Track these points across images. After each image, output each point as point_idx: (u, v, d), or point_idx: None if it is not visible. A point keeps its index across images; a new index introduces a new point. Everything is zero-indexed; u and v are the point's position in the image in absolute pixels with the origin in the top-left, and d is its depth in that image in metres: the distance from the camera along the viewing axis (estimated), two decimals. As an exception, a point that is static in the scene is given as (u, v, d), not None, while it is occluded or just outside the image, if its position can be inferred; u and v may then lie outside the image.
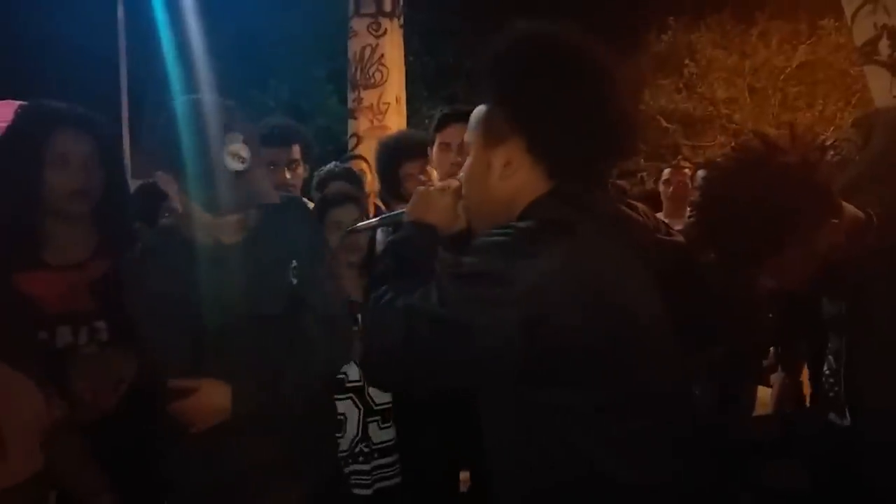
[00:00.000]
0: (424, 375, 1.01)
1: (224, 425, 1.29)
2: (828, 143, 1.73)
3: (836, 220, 1.34)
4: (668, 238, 1.22)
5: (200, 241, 1.35)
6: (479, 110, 1.10)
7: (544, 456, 0.99)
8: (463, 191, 1.15)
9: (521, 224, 0.99)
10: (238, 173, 1.25)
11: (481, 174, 1.08)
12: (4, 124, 1.57)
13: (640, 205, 1.19)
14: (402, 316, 0.97)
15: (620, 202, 1.12)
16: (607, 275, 0.97)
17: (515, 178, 1.04)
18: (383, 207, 3.18)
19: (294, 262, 1.40)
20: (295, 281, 1.40)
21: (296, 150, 2.36)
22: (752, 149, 1.35)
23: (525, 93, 1.01)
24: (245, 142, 1.27)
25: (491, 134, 1.06)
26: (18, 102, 1.66)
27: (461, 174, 1.16)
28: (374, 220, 1.43)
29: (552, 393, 0.96)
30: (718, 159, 1.61)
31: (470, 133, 1.12)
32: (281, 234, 1.40)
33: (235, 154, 1.24)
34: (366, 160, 3.28)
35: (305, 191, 2.62)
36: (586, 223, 0.98)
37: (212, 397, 1.27)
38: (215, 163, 1.23)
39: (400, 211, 1.28)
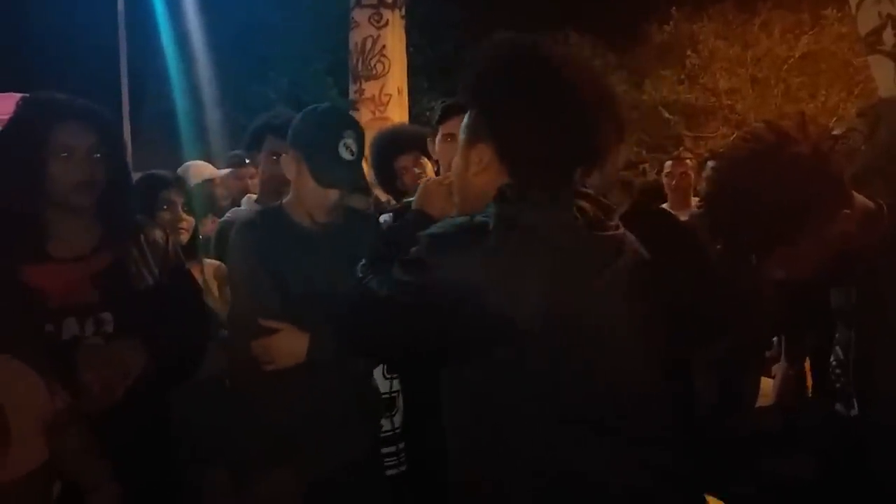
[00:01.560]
0: (374, 344, 1.22)
1: (295, 373, 1.54)
2: (833, 133, 1.73)
3: (848, 210, 1.33)
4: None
5: (297, 220, 1.68)
6: (468, 113, 1.23)
7: (470, 436, 1.13)
8: (453, 185, 1.29)
9: (458, 221, 1.13)
10: (348, 161, 1.61)
11: (462, 169, 1.21)
12: (6, 117, 1.56)
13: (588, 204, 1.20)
14: (364, 292, 1.19)
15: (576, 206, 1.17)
16: (517, 274, 1.05)
17: (486, 175, 1.16)
18: (382, 198, 3.18)
19: (363, 261, 1.65)
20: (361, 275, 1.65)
21: None
22: (763, 138, 1.33)
23: (494, 102, 1.15)
24: (355, 140, 1.63)
25: (470, 134, 1.20)
26: (20, 95, 1.65)
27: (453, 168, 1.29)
28: (393, 206, 1.58)
29: (471, 374, 1.10)
30: (727, 149, 1.59)
31: (460, 132, 1.25)
32: (357, 235, 1.68)
33: (348, 147, 1.61)
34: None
35: None
36: (518, 224, 1.08)
37: (291, 340, 1.52)
38: (333, 151, 1.60)
39: (410, 200, 1.48)
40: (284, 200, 1.76)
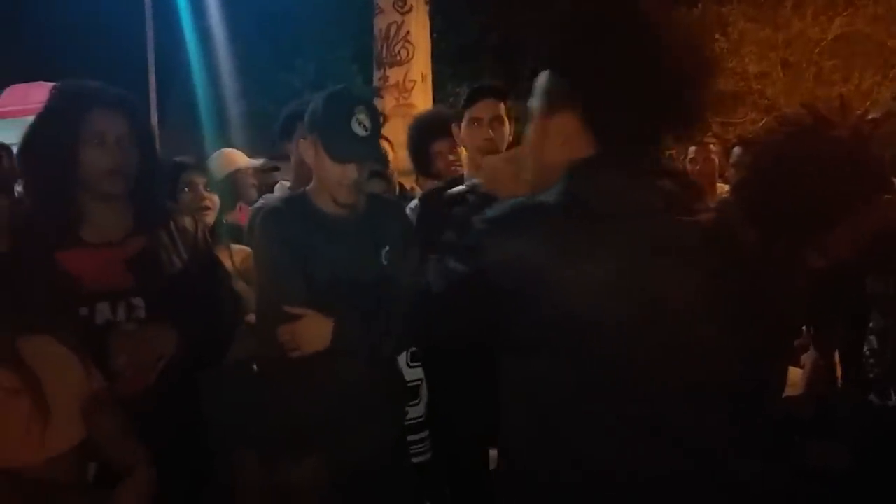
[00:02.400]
0: (431, 337, 1.19)
1: (320, 360, 1.55)
2: (870, 116, 1.68)
3: (888, 196, 1.30)
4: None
5: (320, 206, 1.72)
6: (541, 77, 1.11)
7: (524, 431, 1.06)
8: (527, 159, 1.18)
9: (517, 201, 1.05)
10: (362, 137, 1.63)
11: (539, 142, 1.11)
12: (40, 105, 1.58)
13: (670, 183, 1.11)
14: (420, 282, 1.11)
15: (665, 177, 1.06)
16: (583, 260, 0.98)
17: (567, 146, 1.06)
18: (407, 185, 3.18)
19: (387, 247, 1.73)
20: (386, 262, 1.73)
21: None
22: (801, 121, 1.30)
23: (581, 63, 1.02)
24: (368, 116, 1.64)
25: (549, 102, 1.08)
26: (51, 83, 1.67)
27: (525, 141, 1.18)
28: (463, 186, 1.55)
29: (526, 366, 1.04)
30: (762, 132, 1.56)
31: (532, 100, 1.13)
32: (380, 220, 1.75)
33: (361, 123, 1.62)
34: (388, 139, 3.29)
35: None
36: (588, 204, 0.99)
37: (316, 326, 1.51)
38: (346, 127, 1.62)
39: (477, 181, 1.41)
40: (308, 187, 1.78)
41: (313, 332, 1.55)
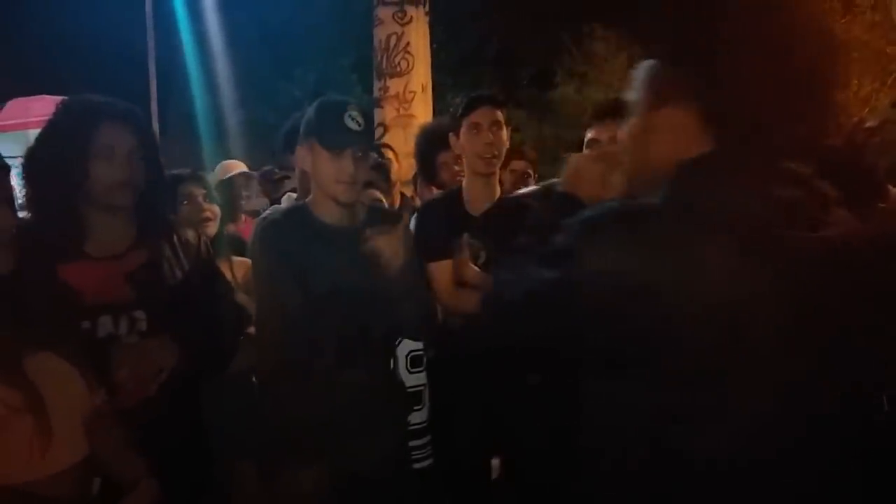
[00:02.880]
0: (515, 349, 1.07)
1: (319, 370, 1.59)
2: (867, 124, 1.69)
3: (882, 204, 1.31)
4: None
5: (319, 216, 1.75)
6: (646, 67, 1.00)
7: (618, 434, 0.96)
8: (624, 157, 1.07)
9: (617, 203, 0.97)
10: (356, 131, 1.69)
11: (643, 139, 1.00)
12: (41, 118, 1.60)
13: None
14: (500, 290, 1.01)
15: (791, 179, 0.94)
16: (687, 271, 0.87)
17: (679, 143, 0.94)
18: (408, 195, 3.19)
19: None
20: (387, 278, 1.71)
21: None
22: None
23: (698, 51, 0.91)
24: (360, 114, 1.72)
25: (656, 94, 0.97)
26: (55, 97, 1.68)
27: (622, 137, 1.07)
28: (529, 188, 1.49)
29: (627, 382, 0.93)
30: None
31: (633, 93, 1.02)
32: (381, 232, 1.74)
33: (354, 118, 1.68)
34: (392, 149, 3.31)
35: None
36: (695, 209, 0.89)
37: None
38: (340, 121, 1.68)
39: (555, 180, 1.31)
40: (307, 199, 1.80)
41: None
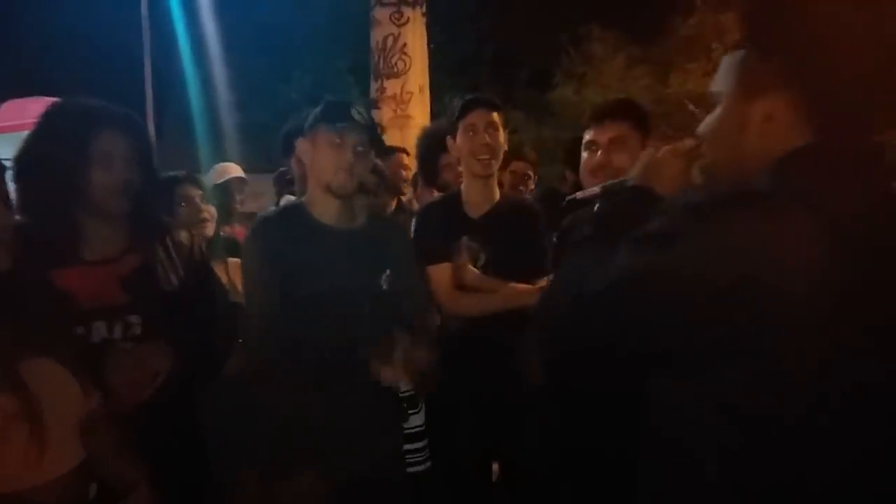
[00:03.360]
0: (589, 343, 0.95)
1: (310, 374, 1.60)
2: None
3: None
4: None
5: (316, 216, 1.74)
6: (735, 57, 0.96)
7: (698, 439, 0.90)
8: (708, 150, 1.03)
9: (720, 187, 0.91)
10: (361, 124, 1.73)
11: (735, 130, 0.95)
12: (35, 120, 1.58)
13: None
14: (579, 280, 0.93)
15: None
16: (796, 260, 0.81)
17: (776, 134, 0.90)
18: (405, 198, 3.19)
19: (387, 272, 1.74)
20: (385, 287, 1.74)
21: None
22: None
23: (796, 38, 0.88)
24: (365, 110, 1.77)
25: (750, 85, 0.93)
26: (48, 98, 1.67)
27: (704, 130, 1.02)
28: (596, 187, 1.42)
29: (718, 379, 0.86)
30: None
31: (721, 83, 0.98)
32: (379, 243, 1.77)
33: (360, 113, 1.73)
34: (407, 152, 3.32)
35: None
36: (804, 198, 0.83)
37: None
38: (347, 112, 1.73)
39: (624, 179, 1.25)
40: (304, 198, 1.81)
41: None
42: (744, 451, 0.86)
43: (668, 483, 0.95)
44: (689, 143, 1.15)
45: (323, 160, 1.71)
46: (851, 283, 0.82)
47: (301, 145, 1.78)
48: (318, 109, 1.76)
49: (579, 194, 1.41)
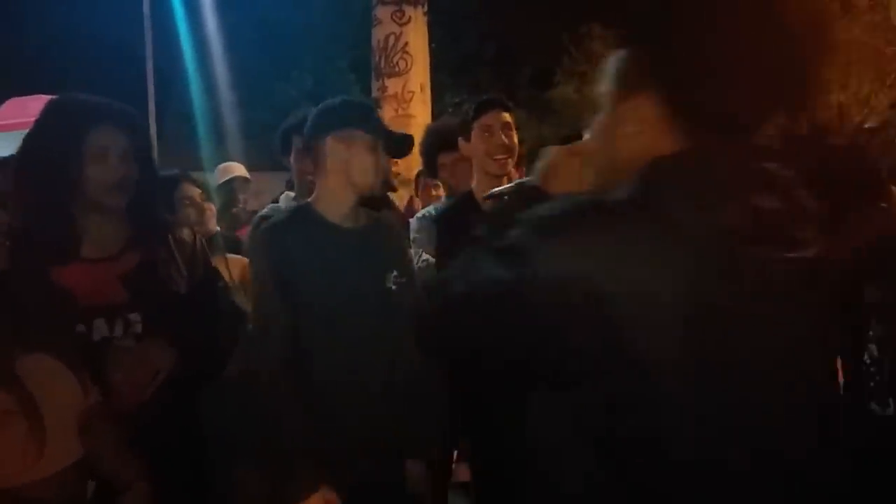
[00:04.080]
0: (453, 355, 0.96)
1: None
2: (868, 125, 1.68)
3: (884, 204, 1.30)
4: None
5: (324, 215, 1.75)
6: (614, 57, 0.92)
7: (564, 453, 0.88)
8: (593, 152, 0.99)
9: (576, 199, 0.87)
10: (387, 130, 1.80)
11: (611, 130, 0.92)
12: (34, 119, 1.58)
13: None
14: (442, 288, 0.92)
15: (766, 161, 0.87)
16: (651, 276, 0.78)
17: (647, 134, 0.87)
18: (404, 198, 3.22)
19: (395, 273, 1.77)
20: (394, 287, 1.75)
21: None
22: (799, 130, 1.30)
23: (664, 35, 0.83)
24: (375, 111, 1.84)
25: (624, 84, 0.90)
26: (49, 97, 1.67)
27: (591, 131, 1.00)
28: (512, 184, 1.43)
29: (581, 400, 0.84)
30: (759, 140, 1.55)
31: (603, 84, 0.94)
32: (383, 243, 1.79)
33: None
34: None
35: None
36: (660, 212, 0.80)
37: None
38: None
39: (530, 178, 1.20)
40: (311, 198, 1.80)
41: None
42: (602, 475, 0.83)
43: (536, 496, 0.93)
44: (587, 143, 1.09)
45: (359, 163, 1.72)
46: (703, 299, 0.78)
47: (331, 144, 1.74)
48: (344, 108, 1.77)
49: (496, 190, 1.37)
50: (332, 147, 1.74)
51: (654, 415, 0.80)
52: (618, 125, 0.90)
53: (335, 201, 1.76)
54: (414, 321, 1.00)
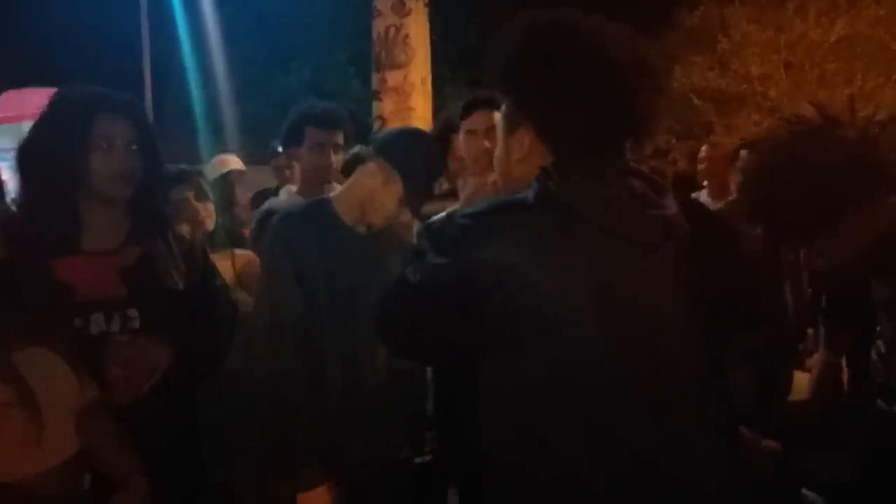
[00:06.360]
0: (406, 335, 1.13)
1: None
2: (877, 118, 1.66)
3: (894, 198, 1.28)
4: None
5: (343, 217, 1.72)
6: (496, 103, 1.19)
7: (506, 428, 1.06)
8: (497, 179, 1.24)
9: (496, 200, 1.10)
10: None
11: (504, 158, 1.17)
12: (36, 111, 1.56)
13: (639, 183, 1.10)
14: (397, 281, 1.12)
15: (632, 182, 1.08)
16: (557, 256, 0.99)
17: (529, 161, 1.10)
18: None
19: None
20: None
21: (340, 137, 2.41)
22: (809, 120, 1.29)
23: (526, 81, 1.09)
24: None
25: (508, 120, 1.15)
26: (50, 89, 1.65)
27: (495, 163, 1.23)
28: (442, 214, 1.58)
29: (503, 367, 1.04)
30: (770, 131, 1.56)
31: (497, 126, 1.20)
32: (395, 249, 1.75)
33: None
34: None
35: None
36: (559, 202, 1.01)
37: None
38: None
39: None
40: (332, 194, 1.78)
41: None
42: (519, 433, 1.03)
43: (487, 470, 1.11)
44: (492, 177, 1.33)
45: (389, 192, 1.69)
46: (600, 273, 0.99)
47: (372, 168, 1.72)
48: (399, 143, 1.74)
49: (433, 219, 1.64)
50: (372, 171, 1.71)
51: (555, 376, 0.99)
52: (509, 155, 1.15)
53: (353, 207, 1.73)
54: (376, 318, 1.15)
